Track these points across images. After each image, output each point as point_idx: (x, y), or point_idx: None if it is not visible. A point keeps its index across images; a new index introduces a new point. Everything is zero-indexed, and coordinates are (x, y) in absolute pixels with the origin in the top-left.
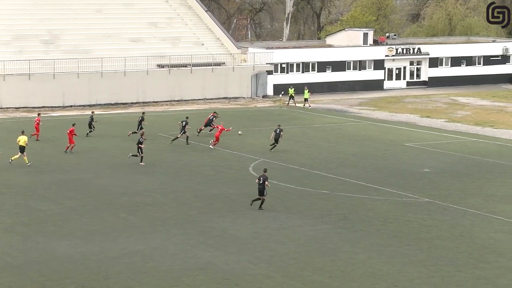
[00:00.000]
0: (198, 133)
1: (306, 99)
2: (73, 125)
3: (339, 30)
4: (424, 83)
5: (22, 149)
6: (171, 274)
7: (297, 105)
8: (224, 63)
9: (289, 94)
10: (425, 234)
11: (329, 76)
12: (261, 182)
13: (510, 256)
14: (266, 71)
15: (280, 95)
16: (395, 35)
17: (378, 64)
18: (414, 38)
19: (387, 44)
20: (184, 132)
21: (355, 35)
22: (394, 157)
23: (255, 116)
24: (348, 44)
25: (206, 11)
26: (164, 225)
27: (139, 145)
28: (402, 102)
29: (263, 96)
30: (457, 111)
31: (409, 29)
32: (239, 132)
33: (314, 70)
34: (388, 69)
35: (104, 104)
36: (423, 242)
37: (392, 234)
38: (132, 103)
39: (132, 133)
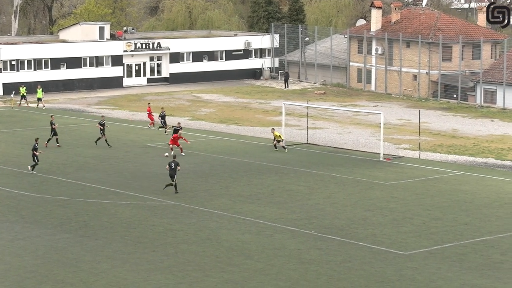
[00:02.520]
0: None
1: (39, 99)
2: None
3: (73, 24)
4: (165, 80)
5: None
6: None
7: (30, 105)
8: None
9: (21, 94)
10: (171, 239)
11: (64, 74)
12: (172, 167)
13: (258, 257)
14: None
15: (11, 95)
16: (133, 29)
17: (116, 60)
18: (153, 32)
19: (125, 39)
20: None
21: (90, 29)
22: (136, 158)
23: None
24: (83, 39)
25: None
26: None
27: (34, 152)
28: (143, 100)
29: None
30: (201, 108)
31: (147, 23)
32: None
33: (48, 67)
34: (127, 65)
35: None
36: (169, 247)
37: (137, 240)
38: None
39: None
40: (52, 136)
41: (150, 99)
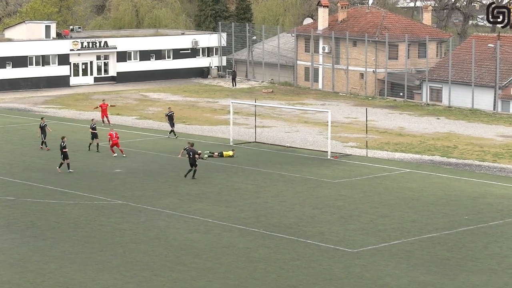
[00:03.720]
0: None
1: None
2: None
3: (18, 23)
4: (112, 79)
5: None
6: None
7: None
8: None
9: None
10: (119, 238)
11: (10, 73)
12: (191, 156)
13: (207, 256)
14: None
15: None
16: (79, 27)
17: (63, 59)
18: (100, 31)
19: (71, 38)
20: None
21: (36, 28)
22: (84, 158)
23: None
24: (29, 38)
25: None
26: None
27: (64, 150)
28: (91, 99)
29: None
30: (148, 107)
31: (94, 22)
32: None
33: None
34: (74, 64)
35: None
36: (117, 246)
37: (85, 240)
38: None
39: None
40: (45, 138)
41: (97, 98)
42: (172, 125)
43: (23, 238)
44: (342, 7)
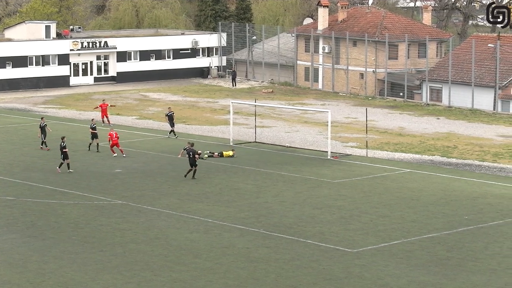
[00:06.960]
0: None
1: None
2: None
3: (18, 23)
4: (112, 79)
5: None
6: None
7: None
8: None
9: None
10: (119, 238)
11: (10, 73)
12: (191, 155)
13: (207, 256)
14: None
15: None
16: (79, 27)
17: (63, 59)
18: (100, 31)
19: (71, 38)
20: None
21: (36, 28)
22: (84, 158)
23: None
24: (29, 38)
25: None
26: None
27: (64, 150)
28: (91, 99)
29: None
30: (148, 107)
31: (94, 22)
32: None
33: None
34: (74, 64)
35: None
36: (117, 246)
37: (84, 240)
38: None
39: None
40: (45, 138)
41: (98, 98)
42: (172, 125)
43: (23, 238)
44: (342, 7)
